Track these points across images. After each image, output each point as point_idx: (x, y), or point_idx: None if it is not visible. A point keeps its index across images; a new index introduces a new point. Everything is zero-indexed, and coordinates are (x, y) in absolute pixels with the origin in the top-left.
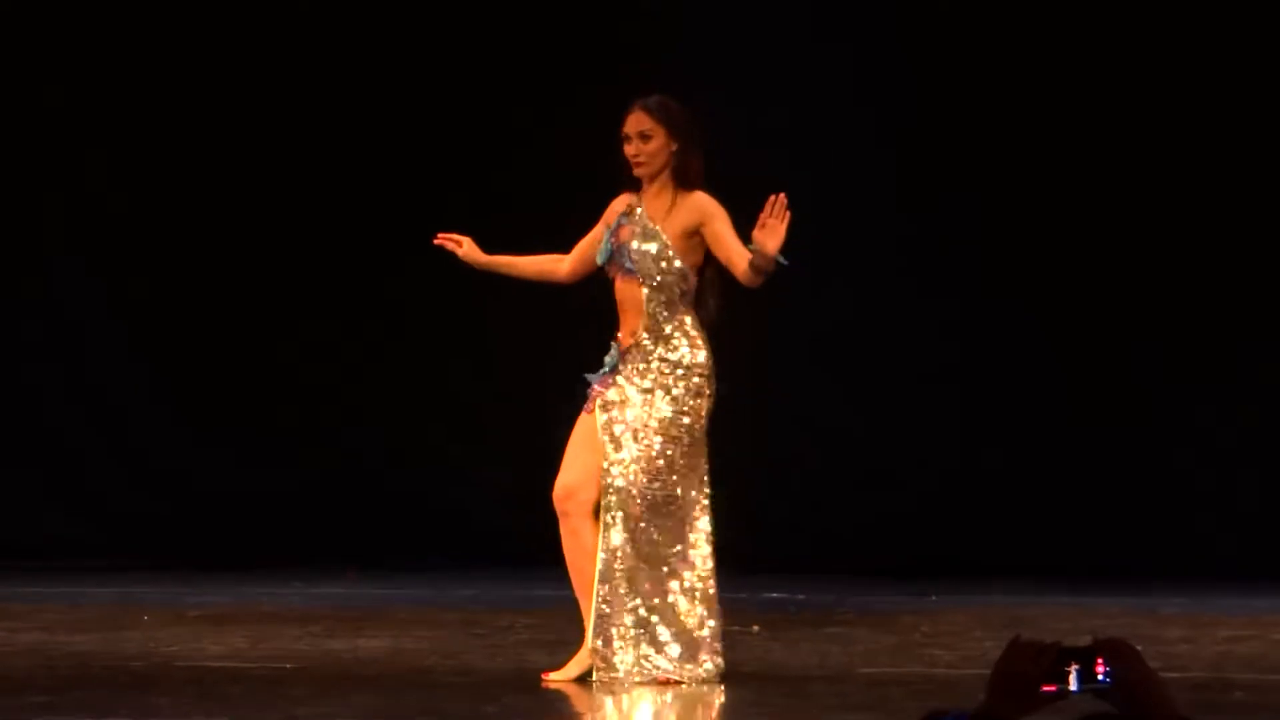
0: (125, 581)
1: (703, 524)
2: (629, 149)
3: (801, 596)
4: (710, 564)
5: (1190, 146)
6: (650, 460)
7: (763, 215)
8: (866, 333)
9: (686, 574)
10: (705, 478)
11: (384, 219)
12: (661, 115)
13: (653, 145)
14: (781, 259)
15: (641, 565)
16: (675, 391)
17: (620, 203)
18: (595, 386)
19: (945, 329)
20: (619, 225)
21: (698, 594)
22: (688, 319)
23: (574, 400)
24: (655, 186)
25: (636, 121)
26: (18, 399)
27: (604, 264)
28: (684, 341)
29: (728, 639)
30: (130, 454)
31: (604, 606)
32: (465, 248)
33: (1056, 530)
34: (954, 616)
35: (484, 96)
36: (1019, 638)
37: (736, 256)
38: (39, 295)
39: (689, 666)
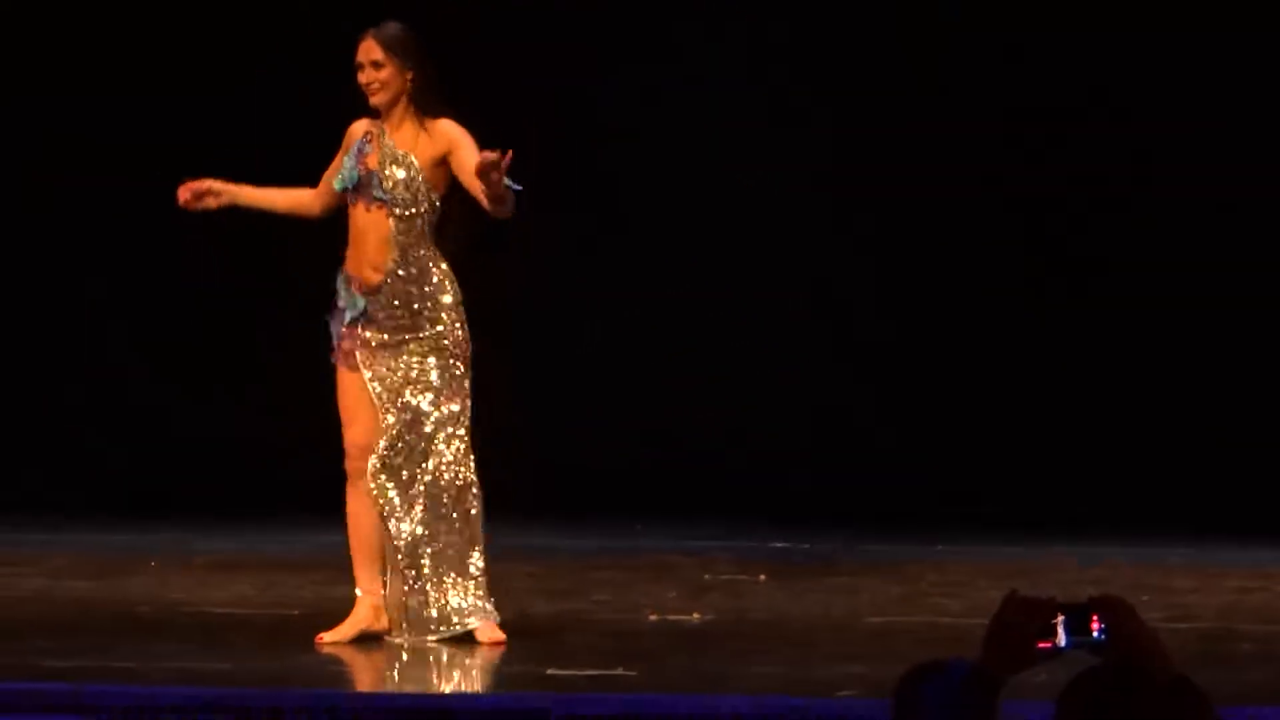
0: (132, 529)
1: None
2: (362, 76)
3: (807, 546)
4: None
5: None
6: (419, 411)
7: (483, 154)
8: (871, 277)
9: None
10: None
11: None
12: (391, 43)
13: (385, 73)
14: (512, 184)
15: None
16: (436, 329)
17: (359, 128)
18: (344, 342)
19: (955, 272)
20: (362, 151)
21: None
22: (437, 251)
23: None
24: (397, 113)
25: (367, 50)
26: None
27: (347, 189)
28: (436, 274)
29: (735, 587)
30: (136, 402)
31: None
32: (213, 186)
33: (1063, 480)
34: (960, 567)
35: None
36: (1014, 593)
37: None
38: (33, 253)
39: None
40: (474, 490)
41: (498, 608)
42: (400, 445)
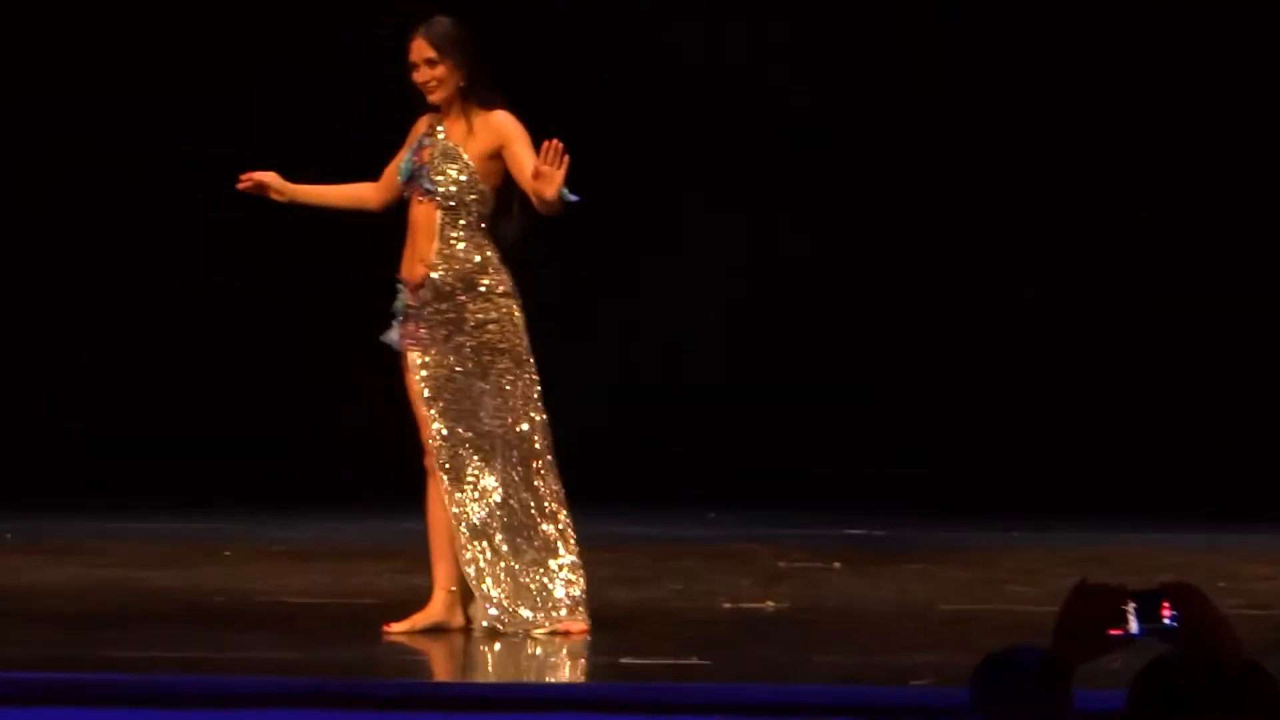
0: (207, 518)
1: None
2: (417, 76)
3: (882, 533)
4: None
5: None
6: (476, 403)
7: (537, 163)
8: (950, 267)
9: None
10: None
11: None
12: (441, 40)
13: (439, 70)
14: (570, 196)
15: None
16: (485, 319)
17: (422, 124)
18: (402, 340)
19: (1026, 263)
20: (420, 146)
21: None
22: (487, 244)
23: None
24: (454, 108)
25: (419, 49)
26: (106, 338)
27: (404, 183)
28: (483, 266)
29: (809, 575)
30: (215, 390)
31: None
32: (273, 183)
33: (1139, 466)
34: (1035, 554)
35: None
36: (1084, 581)
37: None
38: (134, 232)
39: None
40: (552, 479)
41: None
42: (460, 438)
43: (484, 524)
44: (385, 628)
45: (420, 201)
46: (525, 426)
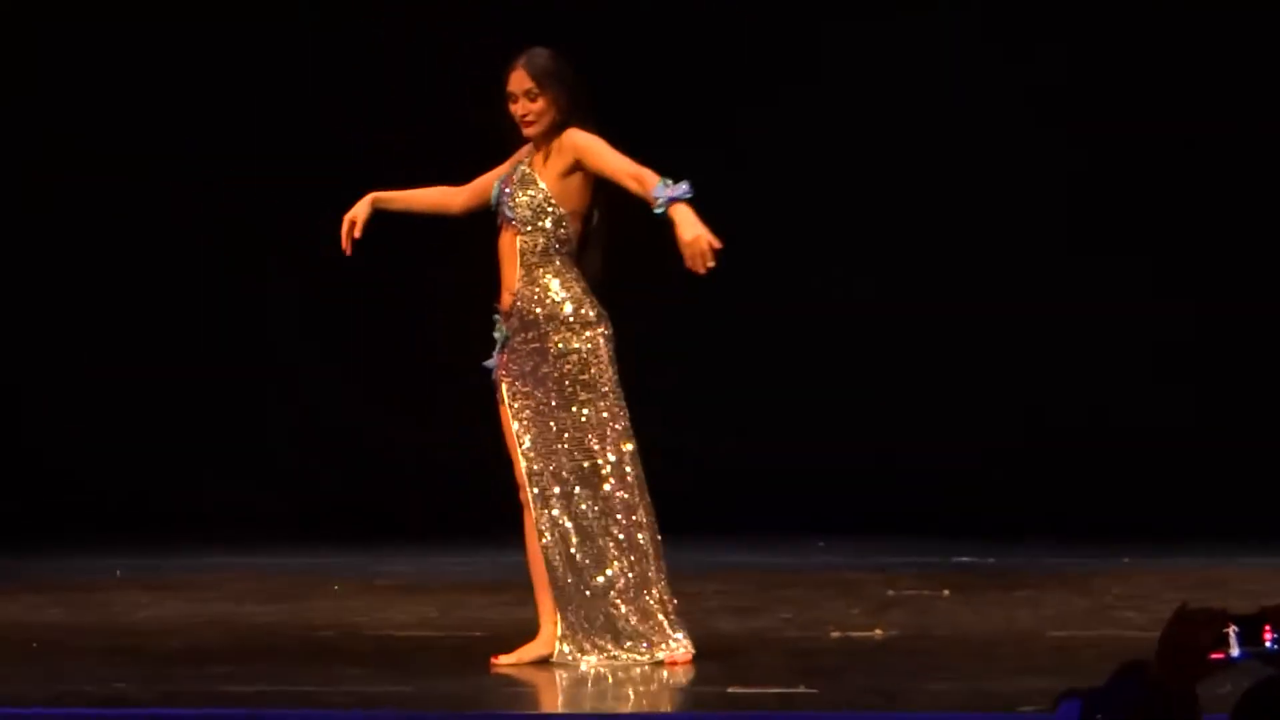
0: (315, 552)
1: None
2: (516, 108)
3: (992, 560)
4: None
5: None
6: (559, 437)
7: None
8: (1034, 291)
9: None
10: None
11: None
12: (542, 74)
13: (539, 104)
14: (679, 191)
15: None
16: (568, 349)
17: (523, 153)
18: (497, 372)
19: (1134, 286)
20: (510, 174)
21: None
22: (568, 269)
23: None
24: (543, 139)
25: (519, 80)
26: (208, 373)
27: (494, 209)
28: (563, 293)
29: (918, 603)
30: (321, 424)
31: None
32: (364, 215)
33: (1250, 490)
34: (1146, 579)
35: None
36: (1185, 605)
37: (625, 176)
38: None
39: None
40: (640, 512)
41: (685, 624)
42: (546, 471)
43: (568, 558)
44: (493, 660)
45: (503, 229)
46: (607, 459)
